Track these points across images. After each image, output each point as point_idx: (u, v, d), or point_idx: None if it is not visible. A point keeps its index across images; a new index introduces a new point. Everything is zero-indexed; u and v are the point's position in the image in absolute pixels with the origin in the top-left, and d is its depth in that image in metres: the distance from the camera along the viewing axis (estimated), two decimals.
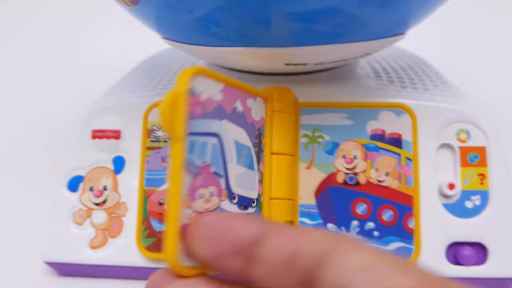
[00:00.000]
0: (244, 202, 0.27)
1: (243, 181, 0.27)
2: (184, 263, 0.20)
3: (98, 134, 0.34)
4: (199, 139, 0.24)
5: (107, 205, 0.33)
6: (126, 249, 0.32)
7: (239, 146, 0.27)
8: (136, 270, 0.32)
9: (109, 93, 0.36)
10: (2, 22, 0.65)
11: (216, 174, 0.25)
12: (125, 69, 0.40)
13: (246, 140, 0.28)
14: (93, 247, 0.33)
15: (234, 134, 0.27)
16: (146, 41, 0.41)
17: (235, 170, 0.27)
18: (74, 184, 0.34)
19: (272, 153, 0.30)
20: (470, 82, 0.43)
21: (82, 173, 0.34)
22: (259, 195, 0.29)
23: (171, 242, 0.20)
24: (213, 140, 0.25)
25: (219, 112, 0.26)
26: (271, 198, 0.30)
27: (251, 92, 0.28)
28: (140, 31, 0.38)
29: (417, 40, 0.42)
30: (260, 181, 0.29)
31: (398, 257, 0.14)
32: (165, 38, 0.32)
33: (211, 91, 0.25)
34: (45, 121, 0.47)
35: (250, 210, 0.28)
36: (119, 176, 0.34)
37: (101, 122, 0.34)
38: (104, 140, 0.34)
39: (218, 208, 0.25)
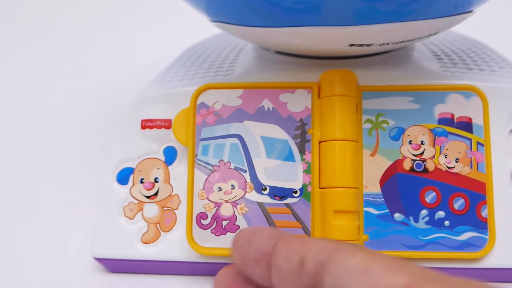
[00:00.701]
0: (280, 193, 0.29)
1: (277, 173, 0.30)
2: (199, 243, 0.29)
3: (148, 124, 0.32)
4: (213, 142, 0.30)
5: (159, 197, 0.32)
6: (180, 243, 0.31)
7: (268, 140, 0.30)
8: (190, 265, 0.31)
9: (157, 81, 0.35)
10: (49, 18, 0.64)
11: (238, 169, 0.30)
12: (171, 57, 0.38)
13: (280, 134, 0.30)
14: (145, 242, 0.31)
15: (260, 130, 0.30)
16: (189, 28, 0.39)
17: (265, 163, 0.30)
18: (124, 176, 0.32)
19: (321, 141, 0.29)
20: None
21: (132, 165, 0.32)
22: (304, 185, 0.29)
23: (188, 227, 0.30)
24: (232, 141, 0.30)
25: (238, 115, 0.30)
26: (321, 188, 0.28)
27: (286, 87, 0.30)
28: (183, 18, 0.36)
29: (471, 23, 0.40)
30: (307, 171, 0.28)
31: (392, 258, 0.16)
32: (216, 21, 0.31)
33: (225, 99, 0.31)
34: (94, 113, 0.46)
35: (291, 200, 0.29)
36: (170, 168, 0.32)
37: (150, 111, 0.33)
38: (155, 130, 0.32)
39: (242, 198, 0.30)
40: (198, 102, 0.31)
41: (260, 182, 0.30)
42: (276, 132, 0.30)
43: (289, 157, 0.30)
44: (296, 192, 0.29)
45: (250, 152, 0.30)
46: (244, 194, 0.30)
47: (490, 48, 0.37)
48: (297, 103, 0.30)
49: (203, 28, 0.35)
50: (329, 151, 0.29)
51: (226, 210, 0.30)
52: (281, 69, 0.33)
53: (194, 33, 0.41)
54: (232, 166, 0.30)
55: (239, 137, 0.30)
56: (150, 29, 0.56)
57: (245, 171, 0.30)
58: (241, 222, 0.30)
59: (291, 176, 0.30)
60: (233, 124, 0.31)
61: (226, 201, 0.30)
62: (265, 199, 0.30)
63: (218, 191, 0.30)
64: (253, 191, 0.30)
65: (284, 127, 0.30)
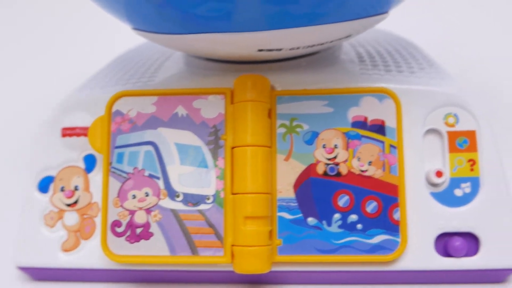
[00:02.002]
0: (193, 199, 0.29)
1: (190, 180, 0.30)
2: (113, 251, 0.29)
3: (68, 132, 0.32)
4: (128, 149, 0.30)
5: (79, 205, 0.32)
6: (99, 251, 0.31)
7: (182, 147, 0.30)
8: (108, 273, 0.31)
9: (79, 89, 0.34)
10: None
11: (152, 176, 0.30)
12: (99, 66, 0.38)
13: (193, 140, 0.30)
14: (65, 250, 0.31)
15: (174, 137, 0.30)
16: (121, 37, 0.39)
17: (179, 170, 0.30)
18: (44, 185, 0.32)
19: (233, 147, 0.29)
20: (462, 64, 0.41)
21: (52, 173, 0.32)
22: (217, 191, 0.29)
23: (102, 235, 0.30)
24: (146, 148, 0.30)
25: (152, 122, 0.30)
26: (233, 193, 0.28)
27: (200, 93, 0.30)
28: (114, 28, 0.36)
29: (407, 23, 0.40)
30: (220, 177, 0.28)
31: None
32: (135, 29, 0.31)
33: (140, 107, 0.31)
34: (14, 121, 0.46)
35: (204, 206, 0.29)
36: (90, 175, 0.32)
37: (70, 119, 0.33)
38: (74, 138, 0.32)
39: (156, 205, 0.30)
40: (113, 109, 0.31)
41: (173, 189, 0.30)
42: (190, 138, 0.30)
43: (203, 164, 0.30)
44: (209, 199, 0.30)
45: (164, 159, 0.30)
46: (158, 201, 0.30)
47: (417, 48, 0.37)
48: (211, 109, 0.30)
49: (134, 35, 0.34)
50: (241, 156, 0.29)
51: (140, 218, 0.30)
52: (204, 75, 0.33)
53: (128, 41, 0.40)
54: (146, 173, 0.30)
55: (153, 145, 0.30)
56: (82, 36, 0.56)
57: (158, 178, 0.30)
58: (154, 229, 0.30)
59: (204, 182, 0.30)
60: (148, 132, 0.31)
61: (140, 208, 0.30)
62: (178, 206, 0.30)
63: (133, 198, 0.30)
64: (167, 198, 0.30)
65: (197, 133, 0.30)
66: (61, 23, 0.58)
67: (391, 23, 0.35)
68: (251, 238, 0.28)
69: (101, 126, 0.31)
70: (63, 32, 0.57)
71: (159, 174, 0.30)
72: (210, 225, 0.29)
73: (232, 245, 0.29)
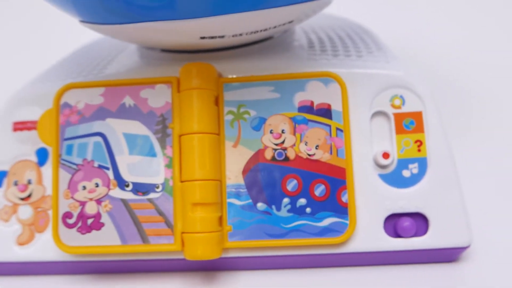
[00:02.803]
0: (142, 188, 0.29)
1: (139, 169, 0.30)
2: (65, 243, 0.30)
3: (19, 126, 0.32)
4: (77, 141, 0.31)
5: (32, 199, 0.32)
6: (53, 244, 0.31)
7: (130, 137, 0.30)
8: (61, 265, 0.31)
9: (30, 84, 0.35)
10: None
11: (102, 167, 0.30)
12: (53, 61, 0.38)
13: (141, 130, 0.30)
14: (20, 244, 0.32)
15: (122, 128, 0.30)
16: (75, 33, 0.39)
17: (127, 160, 0.30)
18: None
19: (181, 135, 0.29)
20: (410, 47, 0.41)
21: (5, 167, 0.32)
22: (166, 180, 0.29)
23: (54, 227, 0.30)
24: (95, 139, 0.30)
25: (100, 113, 0.31)
26: (182, 181, 0.29)
27: (147, 82, 0.31)
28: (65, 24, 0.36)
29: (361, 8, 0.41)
30: (168, 165, 0.28)
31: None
32: (82, 21, 0.31)
33: (88, 98, 0.31)
34: None
35: (153, 195, 0.29)
36: (43, 169, 0.32)
37: (21, 113, 0.33)
38: (26, 132, 0.32)
39: (106, 195, 0.30)
40: (62, 102, 0.31)
41: (123, 179, 0.30)
42: (137, 128, 0.30)
43: (151, 153, 0.30)
44: (158, 187, 0.30)
45: (113, 150, 0.30)
46: (108, 192, 0.30)
47: (370, 33, 0.37)
48: (158, 99, 0.31)
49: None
50: (188, 144, 0.29)
51: (90, 208, 0.30)
52: (154, 65, 0.33)
53: (87, 34, 0.40)
54: (96, 164, 0.30)
55: (102, 135, 0.30)
56: (38, 30, 0.56)
57: (108, 169, 0.30)
58: (105, 219, 0.30)
59: (153, 171, 0.30)
60: (96, 123, 0.31)
61: (91, 199, 0.30)
62: (128, 195, 0.30)
63: (83, 189, 0.30)
64: (117, 188, 0.30)
65: (145, 123, 0.30)
66: (15, 19, 0.58)
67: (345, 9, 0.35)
68: (200, 225, 0.28)
69: (50, 118, 0.31)
70: (17, 29, 0.57)
71: (109, 165, 0.30)
72: (160, 213, 0.29)
73: (182, 232, 0.29)
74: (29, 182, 0.32)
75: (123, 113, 0.31)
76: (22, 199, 0.32)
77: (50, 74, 0.35)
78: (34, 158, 0.32)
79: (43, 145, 0.32)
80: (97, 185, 0.30)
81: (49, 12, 0.43)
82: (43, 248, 0.31)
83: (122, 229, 0.30)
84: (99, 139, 0.30)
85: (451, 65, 0.44)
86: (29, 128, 0.32)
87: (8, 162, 0.32)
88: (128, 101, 0.31)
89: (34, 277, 0.32)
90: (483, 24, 0.51)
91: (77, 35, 0.41)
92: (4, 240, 0.32)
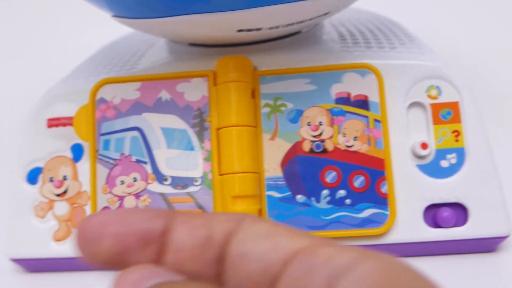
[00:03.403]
0: (181, 182, 0.29)
1: (177, 163, 0.30)
2: None
3: (53, 123, 0.32)
4: (114, 136, 0.30)
5: (68, 195, 0.32)
6: None
7: (168, 131, 0.30)
8: None
9: (63, 80, 0.35)
10: None
11: (139, 161, 0.30)
12: (82, 58, 0.38)
13: (179, 124, 0.30)
14: (57, 240, 0.32)
15: (159, 122, 0.30)
16: (106, 27, 0.39)
17: (165, 154, 0.30)
18: (33, 176, 0.32)
19: (218, 129, 0.29)
20: (442, 39, 0.41)
21: (40, 164, 0.32)
22: (205, 173, 0.29)
23: None
24: (132, 134, 0.30)
25: (137, 108, 0.30)
26: (221, 174, 0.29)
27: (183, 76, 0.30)
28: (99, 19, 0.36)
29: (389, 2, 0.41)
30: (207, 159, 0.28)
31: (296, 228, 0.16)
32: (114, 16, 0.31)
33: (124, 93, 0.31)
34: (2, 114, 0.46)
35: (192, 188, 0.29)
36: (78, 164, 0.32)
37: (55, 110, 0.33)
38: (60, 128, 0.32)
39: (145, 190, 0.30)
40: (97, 97, 0.31)
41: (161, 173, 0.30)
42: (175, 122, 0.30)
43: (189, 146, 0.30)
44: (196, 181, 0.30)
45: (150, 144, 0.30)
46: (146, 186, 0.30)
47: (399, 25, 0.37)
48: (194, 92, 0.31)
49: (119, 25, 0.35)
50: (227, 137, 0.29)
51: (129, 203, 0.30)
52: (187, 60, 0.33)
53: (113, 31, 0.40)
54: (133, 158, 0.30)
55: (139, 130, 0.30)
56: (66, 27, 0.56)
57: (146, 163, 0.30)
58: None
59: (192, 165, 0.30)
60: (132, 117, 0.31)
61: (129, 194, 0.30)
62: (167, 189, 0.30)
63: (121, 184, 0.30)
64: (155, 182, 0.30)
65: (182, 116, 0.30)
66: (44, 15, 0.58)
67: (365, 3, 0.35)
68: None
69: (86, 114, 0.31)
70: (46, 25, 0.57)
71: (146, 159, 0.30)
72: (199, 206, 0.29)
73: None
74: (65, 178, 0.32)
75: (160, 107, 0.31)
76: (58, 195, 0.32)
77: (82, 71, 0.35)
78: (69, 154, 0.32)
79: (78, 140, 0.32)
80: (135, 180, 0.30)
81: (76, 9, 0.43)
82: None
83: None
84: (136, 133, 0.30)
85: (486, 56, 0.44)
86: (63, 124, 0.32)
87: (43, 159, 0.32)
88: (164, 95, 0.31)
89: (71, 273, 0.32)
90: None
91: (104, 31, 0.41)
92: (40, 236, 0.32)
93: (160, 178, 0.30)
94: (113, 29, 0.39)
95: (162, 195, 0.30)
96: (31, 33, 0.57)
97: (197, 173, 0.30)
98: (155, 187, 0.30)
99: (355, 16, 0.39)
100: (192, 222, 0.17)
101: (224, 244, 0.16)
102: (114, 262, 0.17)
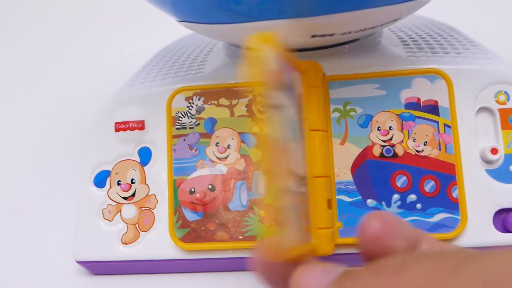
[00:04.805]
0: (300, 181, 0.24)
1: (297, 159, 0.23)
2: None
3: (121, 126, 0.33)
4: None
5: (136, 198, 0.32)
6: (159, 242, 0.31)
7: (292, 121, 0.23)
8: (172, 263, 0.31)
9: (129, 84, 0.35)
10: (16, 19, 0.64)
11: (285, 150, 0.21)
12: (144, 60, 0.39)
13: (295, 116, 0.23)
14: (125, 243, 0.32)
15: (290, 108, 0.22)
16: (162, 31, 0.40)
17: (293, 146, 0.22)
18: (101, 179, 0.33)
19: (311, 130, 0.29)
20: (503, 42, 0.42)
21: (108, 167, 0.33)
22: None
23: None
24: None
25: (282, 84, 0.21)
26: (314, 177, 0.29)
27: (293, 64, 0.24)
28: (156, 19, 0.37)
29: (441, 8, 0.41)
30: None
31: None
32: (182, 21, 0.31)
33: (276, 60, 0.20)
34: (66, 118, 0.46)
35: (302, 189, 0.23)
36: (146, 168, 0.32)
37: (123, 114, 0.33)
38: (128, 132, 0.33)
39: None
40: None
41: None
42: (294, 112, 0.29)
43: (298, 142, 0.29)
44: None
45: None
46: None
47: (457, 30, 0.37)
48: (298, 86, 0.30)
49: (176, 29, 0.35)
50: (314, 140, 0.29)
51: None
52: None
53: (169, 34, 0.41)
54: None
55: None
56: (123, 32, 0.56)
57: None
58: None
59: (301, 163, 0.29)
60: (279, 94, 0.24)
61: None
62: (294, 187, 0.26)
63: None
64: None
65: (296, 108, 0.29)
66: (104, 18, 0.59)
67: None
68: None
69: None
70: (108, 27, 0.58)
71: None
72: None
73: None
74: (132, 181, 0.32)
75: (289, 90, 0.27)
76: (126, 198, 0.32)
77: (146, 75, 0.36)
78: (136, 158, 0.33)
79: (145, 144, 0.33)
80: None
81: (133, 13, 0.44)
82: (149, 246, 0.32)
83: None
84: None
85: None
86: (131, 128, 0.33)
87: (111, 162, 0.33)
88: (288, 79, 0.29)
89: (141, 276, 0.32)
90: None
91: (159, 34, 0.42)
92: (109, 239, 0.32)
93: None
94: (166, 32, 0.40)
95: None
96: (92, 35, 0.58)
97: (304, 172, 0.29)
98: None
99: (410, 21, 0.40)
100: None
101: None
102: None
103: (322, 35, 0.29)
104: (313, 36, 0.29)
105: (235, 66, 0.34)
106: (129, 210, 0.32)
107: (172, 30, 0.36)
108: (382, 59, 0.32)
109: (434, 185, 0.30)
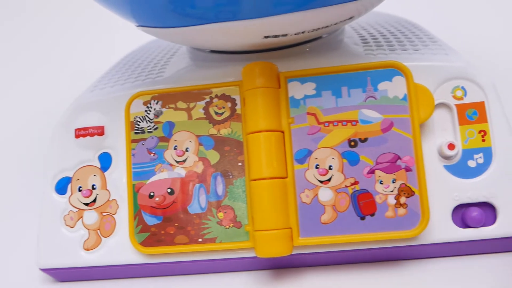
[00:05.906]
0: None
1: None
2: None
3: (81, 133, 0.33)
4: None
5: (97, 204, 0.32)
6: (120, 247, 0.31)
7: None
8: (133, 267, 0.31)
9: (90, 90, 0.35)
10: None
11: None
12: (107, 67, 0.39)
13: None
14: (87, 249, 0.32)
15: None
16: (128, 35, 0.40)
17: None
18: (62, 186, 0.33)
19: (247, 134, 0.29)
20: (462, 38, 0.42)
21: (69, 174, 0.33)
22: None
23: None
24: None
25: None
26: (251, 180, 0.29)
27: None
28: (120, 25, 0.37)
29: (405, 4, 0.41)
30: None
31: None
32: (139, 25, 0.31)
33: None
34: (26, 126, 0.46)
35: None
36: (106, 173, 0.32)
37: (83, 120, 0.33)
38: (88, 138, 0.33)
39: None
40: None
41: None
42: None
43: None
44: None
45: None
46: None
47: (419, 27, 0.37)
48: None
49: (141, 34, 0.35)
50: (255, 143, 0.29)
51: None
52: (210, 67, 0.33)
53: (134, 40, 0.41)
54: None
55: None
56: (86, 39, 0.56)
57: None
58: None
59: None
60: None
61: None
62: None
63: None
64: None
65: None
66: (64, 26, 0.59)
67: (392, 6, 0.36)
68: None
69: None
70: (68, 35, 0.57)
71: None
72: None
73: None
74: (93, 187, 0.32)
75: None
76: (87, 204, 0.32)
77: (107, 80, 0.36)
78: (97, 164, 0.33)
79: (105, 150, 0.32)
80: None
81: (94, 19, 0.44)
82: (111, 251, 0.32)
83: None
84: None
85: (510, 55, 0.44)
86: (91, 134, 0.33)
87: (72, 169, 0.33)
88: None
89: (100, 282, 0.32)
90: None
91: (123, 41, 0.42)
92: (71, 245, 0.32)
93: None
94: (134, 38, 0.40)
95: None
96: (55, 42, 0.57)
97: None
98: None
99: (374, 18, 0.40)
100: None
101: None
102: None
103: (275, 36, 0.29)
104: (266, 37, 0.29)
105: (196, 69, 0.34)
106: (91, 216, 0.32)
107: (133, 37, 0.36)
108: (341, 58, 0.32)
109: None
